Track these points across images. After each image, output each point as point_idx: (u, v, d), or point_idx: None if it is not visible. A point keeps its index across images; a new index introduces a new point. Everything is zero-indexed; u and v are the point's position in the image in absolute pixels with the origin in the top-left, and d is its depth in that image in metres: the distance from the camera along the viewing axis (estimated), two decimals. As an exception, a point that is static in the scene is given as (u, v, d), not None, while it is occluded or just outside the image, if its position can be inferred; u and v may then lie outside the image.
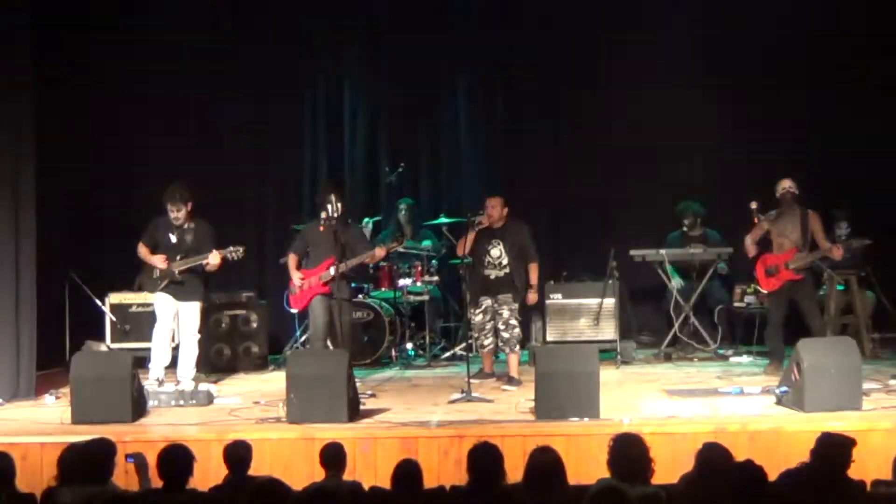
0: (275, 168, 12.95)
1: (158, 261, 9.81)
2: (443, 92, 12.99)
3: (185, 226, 9.88)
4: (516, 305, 10.21)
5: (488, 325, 10.27)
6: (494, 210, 10.14)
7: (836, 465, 5.85)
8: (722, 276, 11.90)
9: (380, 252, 10.38)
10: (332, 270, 9.88)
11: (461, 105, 12.99)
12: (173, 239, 9.88)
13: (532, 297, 10.34)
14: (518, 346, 10.25)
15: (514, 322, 10.18)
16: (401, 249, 11.24)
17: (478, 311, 10.26)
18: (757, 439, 7.71)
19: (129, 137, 12.26)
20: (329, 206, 9.96)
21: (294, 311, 10.84)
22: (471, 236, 10.11)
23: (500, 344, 10.23)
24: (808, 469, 5.88)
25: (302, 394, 8.31)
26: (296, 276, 10.18)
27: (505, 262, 10.18)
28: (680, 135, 12.70)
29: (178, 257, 9.83)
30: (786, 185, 10.30)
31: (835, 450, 5.91)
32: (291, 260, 10.26)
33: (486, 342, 10.35)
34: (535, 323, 11.60)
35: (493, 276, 10.21)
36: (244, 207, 12.72)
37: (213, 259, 9.78)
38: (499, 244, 10.20)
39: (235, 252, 9.84)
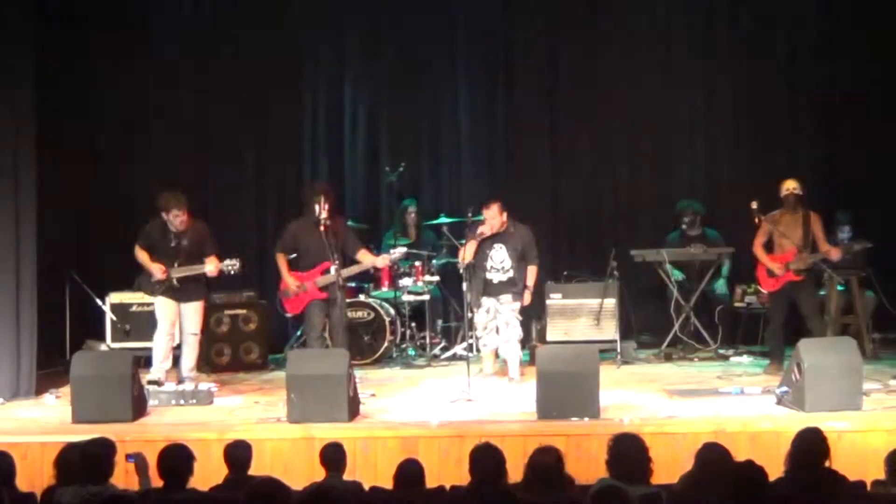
0: (275, 168, 12.92)
1: (157, 271, 9.78)
2: (443, 91, 12.95)
3: (183, 229, 9.87)
4: (517, 305, 10.21)
5: (490, 325, 10.27)
6: (494, 220, 10.12)
7: (812, 457, 5.88)
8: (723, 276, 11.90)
9: (382, 261, 10.36)
10: (330, 274, 9.91)
11: (461, 105, 12.96)
12: (171, 243, 9.87)
13: (527, 297, 10.31)
14: (519, 346, 10.25)
15: (514, 322, 10.18)
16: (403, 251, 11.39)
17: (480, 311, 10.26)
18: (757, 440, 7.74)
19: (129, 137, 12.27)
20: (317, 207, 9.94)
21: (289, 315, 10.84)
22: (472, 246, 10.09)
23: (501, 343, 10.22)
24: (789, 471, 5.90)
25: (302, 393, 8.32)
26: (291, 281, 10.14)
27: (508, 265, 10.19)
28: (681, 134, 12.71)
29: (175, 263, 9.81)
30: (790, 185, 10.29)
31: (806, 445, 5.95)
32: (282, 260, 10.23)
33: (487, 342, 10.36)
34: (536, 323, 11.58)
35: (496, 281, 10.22)
36: (244, 208, 12.70)
37: (210, 270, 9.80)
38: (502, 248, 10.19)
39: (232, 266, 9.85)
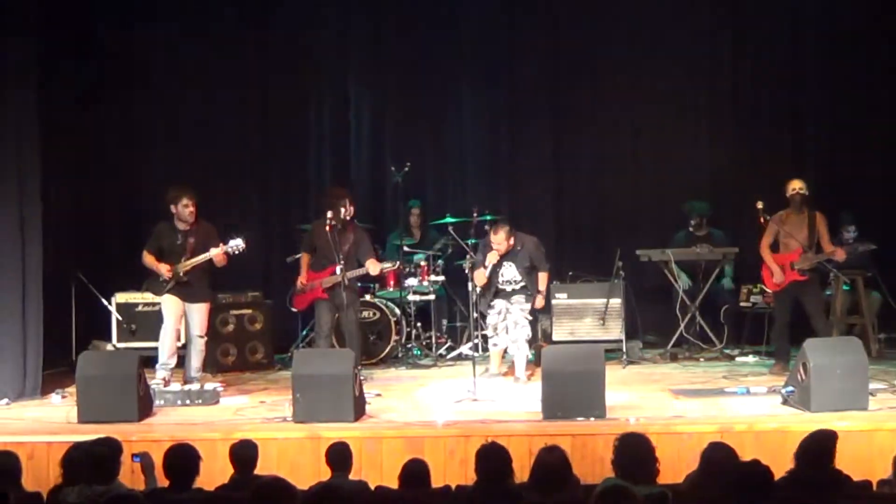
0: (280, 169, 12.93)
1: (164, 269, 9.80)
2: (447, 91, 12.94)
3: (191, 224, 9.89)
4: (528, 306, 10.31)
5: (500, 325, 10.31)
6: (501, 245, 10.17)
7: (820, 460, 5.87)
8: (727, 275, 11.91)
9: (373, 269, 10.29)
10: (335, 275, 9.98)
11: (466, 104, 12.96)
12: (178, 241, 9.89)
13: (539, 301, 10.38)
14: (527, 347, 10.26)
15: (523, 322, 10.23)
16: (406, 249, 11.46)
17: (492, 311, 10.34)
18: (763, 439, 7.73)
19: (133, 137, 12.26)
20: (342, 210, 10.06)
21: (295, 310, 10.98)
22: (483, 274, 10.18)
23: (510, 343, 10.24)
24: (795, 470, 5.89)
25: (308, 393, 8.32)
26: (301, 277, 10.36)
27: (519, 279, 10.31)
28: (685, 133, 12.70)
29: (182, 259, 9.83)
30: (796, 185, 10.29)
31: (816, 445, 5.94)
32: (304, 258, 10.46)
33: (497, 341, 10.38)
34: (542, 323, 11.59)
35: (509, 289, 10.34)
36: (249, 208, 12.70)
37: (216, 256, 9.79)
38: (511, 266, 10.30)
39: (237, 247, 9.84)
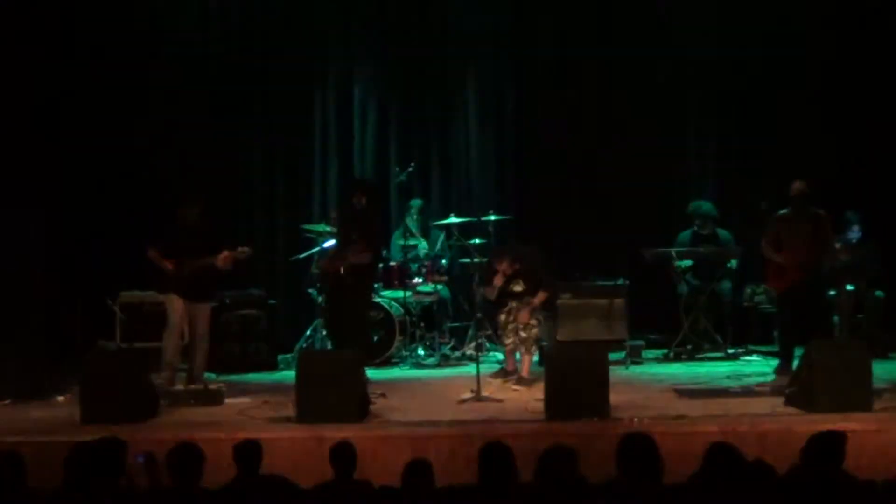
0: (285, 167, 12.94)
1: (169, 266, 9.82)
2: (452, 90, 12.98)
3: (196, 227, 9.91)
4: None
5: (510, 326, 10.32)
6: (507, 271, 10.29)
7: (828, 461, 5.85)
8: (733, 274, 11.89)
9: (353, 257, 10.28)
10: (334, 262, 10.27)
11: (471, 103, 12.98)
12: (183, 241, 9.90)
13: (524, 315, 10.25)
14: (534, 347, 10.28)
15: (532, 322, 10.24)
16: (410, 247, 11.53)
17: (503, 311, 10.38)
18: (766, 439, 7.71)
19: (139, 136, 12.26)
20: (354, 202, 10.24)
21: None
22: (492, 293, 10.32)
23: (517, 343, 10.24)
24: (801, 469, 5.88)
25: (312, 393, 8.33)
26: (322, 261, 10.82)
27: (529, 292, 10.34)
28: (691, 134, 12.71)
29: (187, 260, 9.84)
30: (798, 186, 10.30)
31: (825, 446, 5.92)
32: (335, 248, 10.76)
33: (507, 340, 10.39)
34: (546, 323, 11.58)
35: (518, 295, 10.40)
36: (254, 206, 12.72)
37: (223, 257, 9.80)
38: (518, 282, 10.36)
39: (243, 253, 9.87)
